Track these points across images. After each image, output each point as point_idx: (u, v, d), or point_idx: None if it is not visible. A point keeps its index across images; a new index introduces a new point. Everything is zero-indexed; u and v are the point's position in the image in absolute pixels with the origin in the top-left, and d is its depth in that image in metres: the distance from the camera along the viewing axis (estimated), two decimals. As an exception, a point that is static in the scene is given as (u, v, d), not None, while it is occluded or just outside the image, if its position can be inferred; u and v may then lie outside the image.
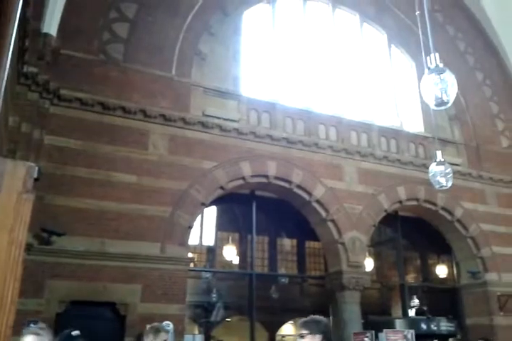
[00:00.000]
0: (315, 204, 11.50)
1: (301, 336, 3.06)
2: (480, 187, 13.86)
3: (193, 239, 10.83)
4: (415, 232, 13.51)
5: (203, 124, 10.54)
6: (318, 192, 11.49)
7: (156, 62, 10.50)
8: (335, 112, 12.66)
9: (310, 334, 3.03)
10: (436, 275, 14.06)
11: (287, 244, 13.45)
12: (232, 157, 10.72)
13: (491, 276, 13.08)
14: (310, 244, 13.13)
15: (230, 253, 11.99)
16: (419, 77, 5.14)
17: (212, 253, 12.06)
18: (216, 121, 10.72)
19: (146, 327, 4.11)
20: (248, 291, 11.04)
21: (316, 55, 13.30)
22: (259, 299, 11.18)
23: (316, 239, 12.16)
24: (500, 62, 15.53)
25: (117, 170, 9.48)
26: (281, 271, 12.88)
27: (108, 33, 10.25)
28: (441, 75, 4.66)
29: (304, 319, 3.19)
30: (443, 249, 13.85)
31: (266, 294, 12.20)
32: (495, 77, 15.55)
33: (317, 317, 3.24)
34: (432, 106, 4.73)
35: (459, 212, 13.20)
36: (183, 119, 10.32)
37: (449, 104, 4.70)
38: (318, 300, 12.80)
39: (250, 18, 12.64)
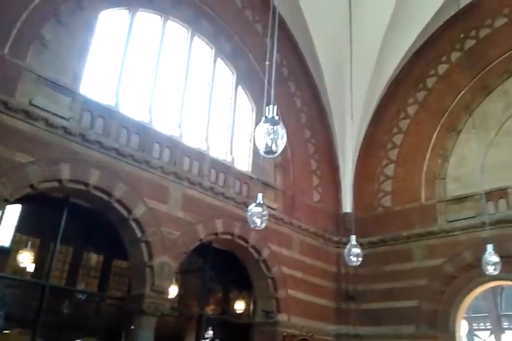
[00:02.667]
0: (132, 223, 10.20)
1: None
2: (288, 232, 13.75)
3: (-16, 237, 8.77)
4: (224, 265, 12.77)
5: (28, 114, 8.72)
6: (139, 210, 10.25)
7: (-13, 34, 8.55)
8: (173, 134, 11.68)
9: None
10: (235, 310, 13.32)
11: (93, 258, 11.69)
12: (52, 156, 9.03)
13: (282, 317, 12.80)
14: (118, 263, 11.58)
15: (26, 260, 9.92)
16: (257, 122, 4.72)
17: (4, 256, 9.91)
18: (43, 114, 8.97)
19: None
20: (38, 303, 9.13)
21: (166, 75, 12.30)
22: (49, 313, 9.35)
23: (125, 258, 10.74)
24: (326, 123, 15.97)
25: None
26: (81, 286, 11.06)
27: None
28: (274, 127, 4.53)
29: None
30: (245, 286, 13.24)
31: (58, 308, 10.29)
32: (319, 137, 15.88)
33: None
34: (261, 153, 4.58)
35: (265, 253, 12.86)
36: (5, 103, 8.44)
37: (276, 155, 4.60)
38: (113, 321, 11.17)
39: (107, 19, 11.19)
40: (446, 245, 13.70)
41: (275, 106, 4.61)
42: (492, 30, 14.68)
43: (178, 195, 11.10)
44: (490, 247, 9.18)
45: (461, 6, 13.01)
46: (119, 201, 9.98)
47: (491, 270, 9.22)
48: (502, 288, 23.47)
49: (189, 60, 12.89)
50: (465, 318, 20.69)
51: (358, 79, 13.61)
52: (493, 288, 20.74)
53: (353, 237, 8.60)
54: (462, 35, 14.71)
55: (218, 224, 11.85)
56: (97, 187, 9.65)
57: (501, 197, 13.23)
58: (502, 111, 14.08)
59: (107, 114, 10.21)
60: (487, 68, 14.48)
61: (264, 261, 12.77)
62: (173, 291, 11.45)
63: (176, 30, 12.92)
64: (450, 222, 13.88)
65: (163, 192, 10.84)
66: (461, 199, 13.95)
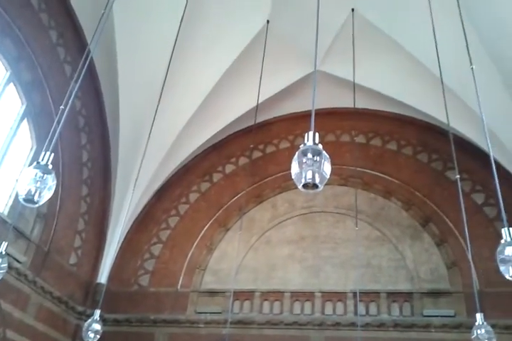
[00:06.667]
0: None
1: None
2: (28, 292, 11.73)
3: None
4: None
5: None
6: None
7: None
8: None
9: None
10: None
11: None
12: None
13: None
14: None
15: None
16: (33, 161, 4.21)
17: None
18: None
19: None
20: None
21: None
22: None
23: None
24: (108, 186, 14.92)
25: None
26: None
27: None
28: (45, 175, 3.96)
29: None
30: None
31: None
32: (95, 198, 14.59)
33: None
34: (20, 199, 3.95)
35: (-7, 310, 10.65)
36: None
37: (36, 206, 4.01)
38: None
39: None
40: (189, 336, 13.40)
41: (52, 154, 4.12)
42: (277, 149, 16.35)
43: None
44: (226, 345, 9.06)
45: (257, 121, 14.16)
46: None
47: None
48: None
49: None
50: None
51: (150, 155, 13.28)
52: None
53: (98, 312, 7.84)
54: (252, 146, 15.83)
55: None
56: None
57: (247, 299, 13.65)
58: (267, 221, 15.04)
59: None
60: (265, 180, 15.65)
61: (-18, 319, 10.53)
62: None
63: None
64: (198, 313, 13.72)
65: None
66: (212, 293, 14.04)
